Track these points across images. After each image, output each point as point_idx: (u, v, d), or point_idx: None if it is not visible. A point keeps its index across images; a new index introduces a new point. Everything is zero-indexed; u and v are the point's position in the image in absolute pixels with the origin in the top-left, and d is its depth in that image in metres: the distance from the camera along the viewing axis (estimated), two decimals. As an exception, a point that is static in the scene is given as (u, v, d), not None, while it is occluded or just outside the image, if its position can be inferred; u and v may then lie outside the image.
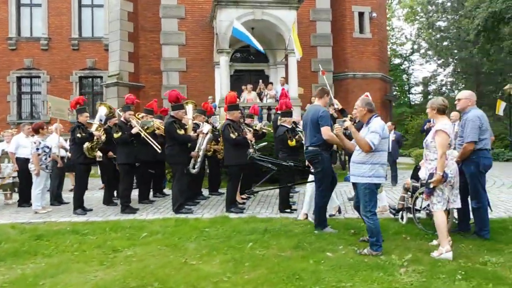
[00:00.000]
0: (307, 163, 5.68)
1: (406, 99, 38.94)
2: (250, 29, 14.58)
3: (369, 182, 4.31)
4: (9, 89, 18.74)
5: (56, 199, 8.13)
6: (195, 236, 5.19)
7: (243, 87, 14.33)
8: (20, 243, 5.07)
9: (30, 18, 19.19)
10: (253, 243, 4.79)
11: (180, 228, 5.65)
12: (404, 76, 38.88)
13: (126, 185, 6.94)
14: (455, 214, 5.23)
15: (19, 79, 18.96)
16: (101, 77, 19.17)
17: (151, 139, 6.99)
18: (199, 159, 7.47)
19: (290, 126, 6.72)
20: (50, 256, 4.58)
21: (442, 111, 4.34)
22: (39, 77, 19.01)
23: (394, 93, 33.88)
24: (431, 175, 4.24)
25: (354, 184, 4.68)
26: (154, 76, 17.11)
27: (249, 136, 6.83)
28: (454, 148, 4.27)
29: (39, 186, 7.22)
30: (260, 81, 14.79)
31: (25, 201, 7.92)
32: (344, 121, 4.46)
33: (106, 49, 18.33)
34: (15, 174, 8.18)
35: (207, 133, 7.36)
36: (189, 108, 7.29)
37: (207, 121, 8.18)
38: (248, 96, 14.03)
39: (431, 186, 4.23)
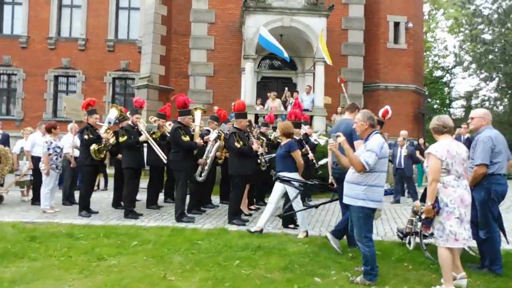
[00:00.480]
0: (330, 180, 5.36)
1: (446, 113, 37.39)
2: (279, 36, 14.42)
3: (363, 206, 3.96)
4: (47, 87, 19.44)
5: (68, 198, 8.20)
6: (184, 248, 4.99)
7: (268, 94, 14.12)
8: (13, 244, 5.06)
9: (70, 19, 19.87)
10: (241, 260, 4.55)
11: (173, 238, 5.49)
12: (446, 89, 37.34)
13: (130, 189, 6.88)
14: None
15: (56, 77, 19.65)
16: (133, 79, 19.56)
17: (157, 146, 6.90)
18: (206, 167, 7.31)
19: (298, 138, 6.43)
20: (35, 260, 4.53)
21: (439, 131, 3.90)
22: (75, 76, 19.63)
23: (435, 106, 32.57)
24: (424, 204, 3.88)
25: (346, 205, 4.34)
26: (183, 79, 17.25)
27: (255, 146, 6.58)
28: (460, 176, 3.77)
29: (48, 186, 7.30)
30: (286, 88, 14.53)
31: (37, 199, 8.02)
32: (338, 136, 4.12)
33: (139, 52, 18.68)
34: (31, 172, 8.33)
35: (215, 141, 7.20)
36: (198, 114, 7.15)
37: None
38: (272, 103, 13.81)
39: (423, 216, 3.84)
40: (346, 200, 4.14)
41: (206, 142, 7.06)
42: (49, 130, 7.40)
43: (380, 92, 16.58)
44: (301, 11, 13.50)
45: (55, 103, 19.68)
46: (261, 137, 7.91)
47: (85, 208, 7.02)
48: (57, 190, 7.75)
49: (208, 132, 7.60)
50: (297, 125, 6.49)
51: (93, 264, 4.42)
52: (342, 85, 10.69)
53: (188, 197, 7.18)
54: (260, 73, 15.87)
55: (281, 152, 5.78)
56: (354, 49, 15.76)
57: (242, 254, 4.80)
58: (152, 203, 7.96)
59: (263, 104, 14.22)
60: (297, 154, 5.74)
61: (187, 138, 6.65)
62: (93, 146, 6.96)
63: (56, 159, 7.32)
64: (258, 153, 6.77)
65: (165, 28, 17.89)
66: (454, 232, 3.70)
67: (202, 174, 7.33)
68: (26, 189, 8.76)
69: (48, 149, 7.20)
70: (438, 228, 3.78)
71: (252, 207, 8.11)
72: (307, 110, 13.89)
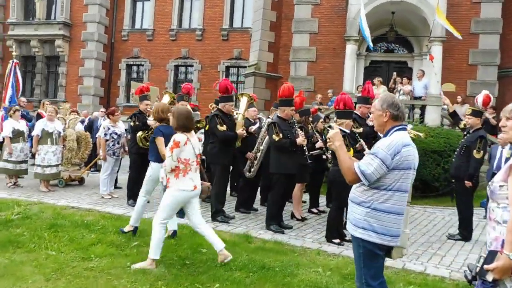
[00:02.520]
0: None
1: None
2: (390, 13, 12.50)
3: (363, 238, 2.64)
4: (168, 76, 20.69)
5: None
6: (182, 256, 4.29)
7: (374, 80, 12.35)
8: (27, 230, 5.00)
9: (190, 11, 20.69)
10: (220, 284, 3.62)
11: (183, 241, 4.82)
12: None
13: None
14: None
15: (176, 67, 20.74)
16: (245, 67, 19.46)
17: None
18: (256, 162, 6.44)
19: (348, 131, 5.07)
20: (21, 252, 4.31)
21: None
22: (192, 66, 20.44)
23: None
24: (491, 255, 2.29)
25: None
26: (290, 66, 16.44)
27: (300, 140, 5.41)
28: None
29: (106, 171, 7.33)
30: (395, 73, 12.53)
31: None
32: (330, 127, 2.82)
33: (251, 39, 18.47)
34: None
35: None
36: (243, 101, 6.28)
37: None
38: (376, 90, 11.98)
39: (489, 278, 2.26)
40: (348, 227, 2.84)
41: (250, 133, 6.18)
42: (108, 115, 7.41)
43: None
44: (414, -18, 11.33)
45: (175, 92, 20.78)
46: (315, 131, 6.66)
47: (132, 196, 6.82)
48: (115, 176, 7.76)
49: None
50: (347, 115, 5.09)
51: (71, 265, 4.03)
52: (433, 63, 8.56)
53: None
54: (368, 57, 14.06)
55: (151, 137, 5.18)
56: (488, 25, 12.67)
57: (234, 275, 3.85)
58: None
59: (366, 91, 12.50)
60: (160, 141, 4.81)
61: (223, 127, 5.86)
62: (139, 133, 6.69)
63: (113, 145, 7.28)
64: (304, 148, 5.58)
65: (275, 13, 17.22)
66: None
67: (251, 170, 6.50)
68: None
69: (105, 134, 7.21)
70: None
71: (313, 209, 6.96)
72: (419, 97, 11.78)
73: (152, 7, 20.65)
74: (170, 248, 4.55)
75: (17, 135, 7.81)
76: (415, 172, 2.70)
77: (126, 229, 5.02)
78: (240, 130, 6.02)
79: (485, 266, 2.20)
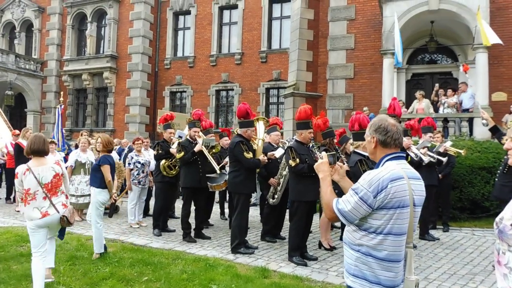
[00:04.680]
0: None
1: None
2: (429, 22, 11.88)
3: (352, 286, 2.28)
4: (209, 101, 21.03)
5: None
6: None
7: (416, 94, 11.72)
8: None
9: (228, 36, 21.07)
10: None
11: (195, 276, 4.60)
12: None
13: (186, 210, 6.26)
14: None
15: (217, 92, 21.06)
16: (285, 88, 19.36)
17: (213, 161, 6.12)
18: (279, 188, 6.17)
19: (367, 154, 4.67)
20: None
21: None
22: (232, 89, 20.65)
23: None
24: None
25: None
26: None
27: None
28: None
29: (133, 201, 7.39)
30: (437, 85, 11.80)
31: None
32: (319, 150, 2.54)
33: (290, 60, 18.39)
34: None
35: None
36: (260, 126, 6.06)
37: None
38: (419, 105, 11.36)
39: None
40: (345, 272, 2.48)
41: (270, 159, 5.93)
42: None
43: None
44: (453, -12, 10.70)
45: (217, 116, 21.07)
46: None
47: (157, 226, 6.77)
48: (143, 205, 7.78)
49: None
50: (363, 136, 4.70)
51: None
52: (466, 75, 7.83)
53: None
54: (410, 70, 13.39)
55: (94, 165, 5.46)
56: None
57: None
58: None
59: (407, 106, 11.87)
60: (105, 169, 5.21)
61: (250, 155, 5.65)
62: (163, 162, 6.69)
63: (138, 174, 7.33)
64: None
65: (311, 32, 17.05)
66: None
67: (275, 196, 6.23)
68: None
69: (129, 164, 7.28)
70: None
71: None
72: (466, 110, 10.96)
73: (192, 35, 21.25)
74: (180, 284, 4.37)
75: (78, 167, 7.91)
76: (418, 208, 2.26)
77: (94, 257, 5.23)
78: (261, 157, 5.80)
79: None
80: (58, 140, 8.99)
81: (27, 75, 21.89)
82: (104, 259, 5.21)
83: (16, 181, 4.05)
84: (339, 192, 2.42)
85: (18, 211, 8.29)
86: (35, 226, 4.02)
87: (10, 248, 5.70)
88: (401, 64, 11.38)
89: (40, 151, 4.06)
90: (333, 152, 2.57)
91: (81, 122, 22.06)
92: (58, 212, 4.06)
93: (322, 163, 2.43)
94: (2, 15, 23.78)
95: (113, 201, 5.42)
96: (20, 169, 4.01)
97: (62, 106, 10.06)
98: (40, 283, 3.94)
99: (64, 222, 4.08)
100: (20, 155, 8.69)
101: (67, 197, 4.35)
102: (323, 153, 2.53)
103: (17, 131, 10.21)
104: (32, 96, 22.29)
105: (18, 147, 8.93)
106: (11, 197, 9.93)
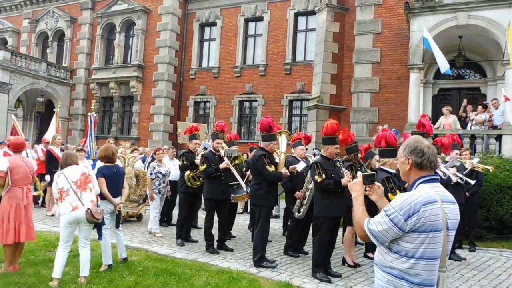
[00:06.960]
0: None
1: None
2: (457, 37, 11.73)
3: None
4: (233, 111, 21.20)
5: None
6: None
7: (443, 109, 11.53)
8: (73, 269, 5.13)
9: (253, 48, 21.27)
10: None
11: (218, 288, 4.63)
12: None
13: (209, 222, 6.31)
14: None
15: (241, 102, 21.21)
16: (308, 100, 19.35)
17: (237, 175, 6.16)
18: (305, 201, 6.15)
19: (394, 171, 4.64)
20: None
21: None
22: (256, 100, 20.77)
23: None
24: None
25: None
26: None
27: (345, 180, 5.05)
28: None
29: (155, 210, 7.49)
30: (465, 100, 11.60)
31: (165, 220, 8.44)
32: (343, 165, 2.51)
33: (314, 72, 18.41)
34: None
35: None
36: (282, 139, 6.07)
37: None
38: (446, 121, 11.17)
39: None
40: None
41: (292, 173, 5.93)
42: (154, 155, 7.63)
43: None
44: (481, 4, 10.54)
45: (239, 126, 21.19)
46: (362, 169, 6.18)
47: (180, 236, 6.84)
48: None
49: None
50: (391, 153, 4.65)
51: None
52: (507, 104, 7.66)
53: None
54: (436, 85, 13.22)
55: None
56: None
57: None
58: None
59: (433, 121, 11.67)
60: (99, 182, 5.13)
61: (272, 168, 5.68)
62: (187, 173, 6.77)
63: (159, 184, 7.44)
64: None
65: (336, 45, 17.09)
66: None
67: (301, 210, 6.21)
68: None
69: (151, 174, 7.40)
70: None
71: (369, 254, 6.43)
72: (496, 127, 10.72)
73: (217, 46, 21.54)
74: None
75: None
76: (452, 232, 2.22)
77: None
78: (283, 170, 5.81)
79: None
80: (91, 149, 9.16)
81: (57, 82, 22.61)
82: (129, 267, 5.29)
83: (53, 185, 4.78)
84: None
85: (52, 215, 8.54)
86: (66, 221, 4.58)
87: (39, 252, 5.85)
88: (451, 72, 11.10)
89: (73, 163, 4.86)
90: (372, 173, 2.55)
91: (107, 129, 22.54)
92: (84, 206, 4.56)
93: (356, 183, 2.43)
94: (36, 25, 24.70)
95: (118, 211, 5.41)
96: (55, 174, 4.77)
97: (95, 115, 10.25)
98: (59, 267, 4.53)
99: (88, 215, 4.51)
100: (50, 161, 8.97)
101: (97, 198, 4.93)
102: (359, 173, 2.53)
103: (46, 139, 10.52)
104: (61, 103, 22.95)
105: (49, 154, 9.22)
106: (39, 201, 10.21)
